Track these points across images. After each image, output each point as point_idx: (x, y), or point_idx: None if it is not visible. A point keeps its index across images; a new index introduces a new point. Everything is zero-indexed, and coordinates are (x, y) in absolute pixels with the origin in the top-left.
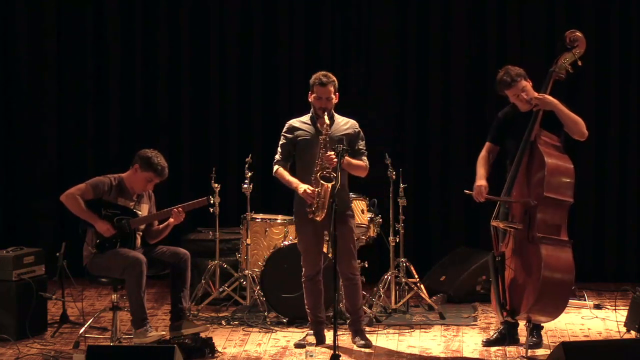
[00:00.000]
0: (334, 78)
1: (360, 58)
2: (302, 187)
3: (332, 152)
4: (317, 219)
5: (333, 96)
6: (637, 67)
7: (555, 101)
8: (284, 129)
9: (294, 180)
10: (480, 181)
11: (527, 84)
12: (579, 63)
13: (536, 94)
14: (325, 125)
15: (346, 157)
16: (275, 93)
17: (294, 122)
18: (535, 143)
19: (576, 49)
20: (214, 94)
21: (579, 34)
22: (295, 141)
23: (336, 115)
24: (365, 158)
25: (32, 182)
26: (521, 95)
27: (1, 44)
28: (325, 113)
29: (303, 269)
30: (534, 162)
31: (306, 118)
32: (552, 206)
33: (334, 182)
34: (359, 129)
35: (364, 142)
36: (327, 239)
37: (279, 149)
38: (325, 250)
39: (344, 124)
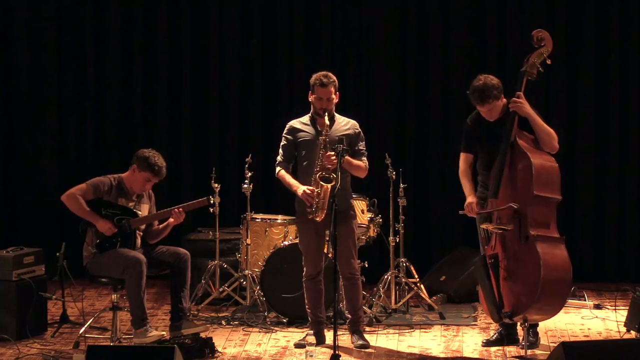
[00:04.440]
0: (334, 78)
1: (360, 58)
2: (301, 189)
3: (332, 152)
4: (317, 219)
5: (334, 96)
6: (637, 66)
7: (531, 111)
8: (285, 130)
9: (294, 183)
10: (470, 198)
11: (497, 105)
12: (548, 61)
13: (514, 101)
14: (325, 126)
15: (346, 157)
16: (276, 93)
17: (295, 123)
18: (516, 143)
19: (544, 48)
20: (214, 94)
21: (545, 33)
22: (296, 142)
23: (337, 116)
24: (365, 159)
25: (32, 182)
26: (488, 112)
27: (1, 43)
28: (326, 113)
29: (304, 269)
30: (517, 163)
31: (306, 119)
32: (542, 204)
33: (333, 183)
34: (359, 130)
35: (364, 142)
36: (328, 239)
37: (281, 151)
38: (325, 250)
39: (345, 124)
